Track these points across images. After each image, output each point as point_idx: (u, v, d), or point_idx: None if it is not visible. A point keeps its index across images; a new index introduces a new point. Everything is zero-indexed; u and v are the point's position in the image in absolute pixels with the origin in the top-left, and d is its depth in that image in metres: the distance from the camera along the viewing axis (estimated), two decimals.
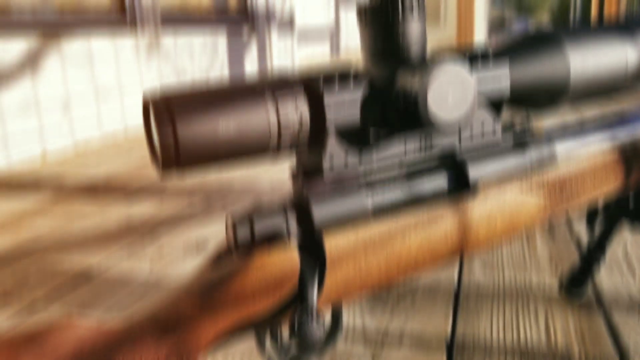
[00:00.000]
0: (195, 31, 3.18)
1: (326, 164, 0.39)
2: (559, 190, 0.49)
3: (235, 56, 3.62)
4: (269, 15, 3.97)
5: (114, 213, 1.36)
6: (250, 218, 0.38)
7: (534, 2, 20.50)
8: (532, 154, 0.48)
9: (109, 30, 2.52)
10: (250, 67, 3.82)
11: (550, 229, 1.05)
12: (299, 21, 4.69)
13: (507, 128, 0.49)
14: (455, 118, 0.39)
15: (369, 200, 0.41)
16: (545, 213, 0.49)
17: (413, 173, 0.46)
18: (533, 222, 0.49)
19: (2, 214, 1.41)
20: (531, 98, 0.48)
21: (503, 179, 0.46)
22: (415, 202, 0.43)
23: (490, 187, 0.46)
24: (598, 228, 0.70)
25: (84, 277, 0.99)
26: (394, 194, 0.43)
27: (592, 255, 0.72)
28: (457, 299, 0.79)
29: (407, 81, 0.38)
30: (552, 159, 0.50)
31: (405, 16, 0.40)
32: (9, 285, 0.98)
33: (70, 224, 1.31)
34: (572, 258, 0.91)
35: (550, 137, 0.51)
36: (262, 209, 0.39)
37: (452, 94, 0.38)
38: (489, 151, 0.47)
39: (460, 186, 0.46)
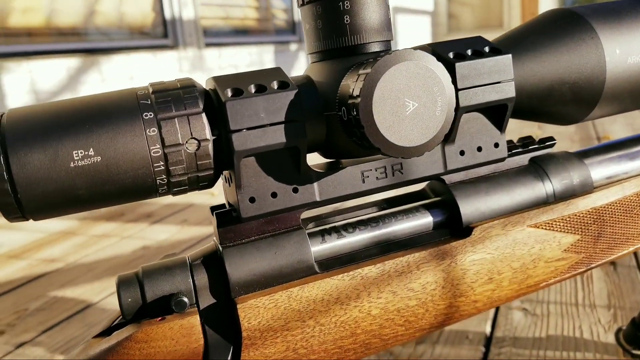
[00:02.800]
0: (240, 44, 3.17)
1: (244, 203, 0.28)
2: (596, 231, 0.35)
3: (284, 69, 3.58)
4: None
5: (132, 240, 1.30)
6: (139, 280, 0.28)
7: None
8: (554, 182, 0.35)
9: (150, 45, 2.53)
10: None
11: (613, 263, 0.86)
12: None
13: (517, 147, 0.36)
14: (422, 139, 0.27)
15: (309, 248, 0.29)
16: (577, 264, 0.35)
17: (379, 211, 0.34)
18: (560, 276, 0.35)
19: (17, 242, 1.39)
20: (548, 106, 0.35)
21: (511, 217, 0.33)
22: (381, 250, 0.32)
23: (493, 229, 0.33)
24: None
25: (80, 313, 0.92)
26: (347, 239, 0.31)
27: None
28: (487, 352, 0.65)
29: (349, 88, 0.26)
30: (584, 188, 0.36)
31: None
32: (7, 314, 0.94)
33: (86, 249, 1.26)
34: (638, 305, 0.73)
35: (581, 158, 0.37)
36: (160, 268, 0.28)
37: (416, 105, 0.26)
38: (489, 180, 0.34)
39: (449, 229, 0.33)
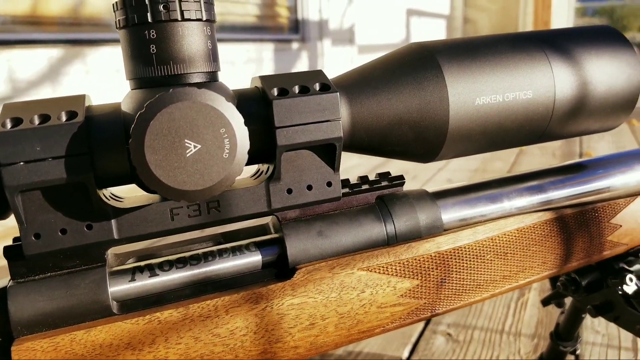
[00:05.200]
0: (237, 41, 3.16)
1: (27, 239, 0.27)
2: (439, 276, 0.34)
3: (283, 69, 3.56)
4: (321, 29, 3.89)
5: None
6: None
7: (626, 16, 19.08)
8: (397, 223, 0.34)
9: None
10: None
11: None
12: (362, 34, 4.57)
13: (361, 185, 0.35)
14: (206, 182, 0.25)
15: (106, 288, 0.28)
16: (418, 310, 0.34)
17: (211, 246, 0.33)
18: (399, 322, 0.34)
19: None
20: (391, 145, 0.33)
21: (340, 259, 0.32)
22: (194, 291, 0.31)
23: (318, 272, 0.31)
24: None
25: None
26: (160, 278, 0.30)
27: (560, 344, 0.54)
28: None
29: (126, 119, 0.25)
30: (432, 230, 0.34)
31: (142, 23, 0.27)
32: None
33: None
34: None
35: (435, 199, 0.35)
36: None
37: (199, 147, 0.25)
38: (326, 218, 0.33)
39: (277, 269, 0.32)
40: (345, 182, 0.35)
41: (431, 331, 0.72)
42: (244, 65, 3.19)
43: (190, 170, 0.25)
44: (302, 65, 3.72)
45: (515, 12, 7.75)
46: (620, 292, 0.39)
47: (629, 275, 0.39)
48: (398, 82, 0.32)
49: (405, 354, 0.68)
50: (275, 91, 0.29)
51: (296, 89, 0.30)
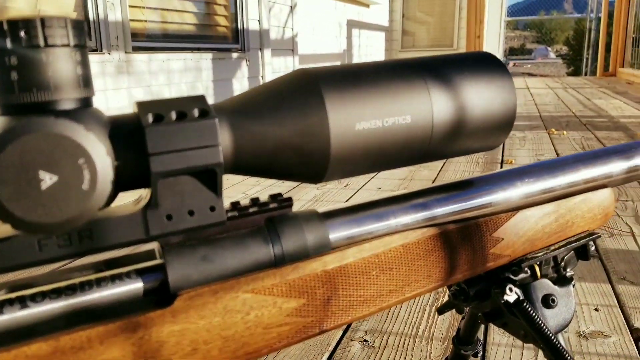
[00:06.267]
0: (174, 50, 3.10)
1: None
2: (326, 294, 0.35)
3: (222, 78, 3.53)
4: (262, 39, 3.89)
5: None
6: None
7: (554, 29, 20.30)
8: (285, 244, 0.34)
9: None
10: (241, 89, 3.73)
11: None
12: (304, 44, 4.61)
13: (248, 207, 0.35)
14: (63, 215, 0.25)
15: None
16: (306, 327, 0.35)
17: (90, 275, 0.33)
18: (287, 340, 0.34)
19: None
20: (279, 168, 0.34)
21: (224, 283, 0.32)
22: (68, 323, 0.30)
23: (200, 297, 0.31)
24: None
25: None
26: (31, 310, 0.29)
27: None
28: None
29: None
30: (320, 249, 0.35)
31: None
32: None
33: None
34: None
35: (323, 219, 0.36)
36: None
37: (56, 179, 0.25)
38: (212, 243, 0.33)
39: (159, 296, 0.32)
40: (235, 205, 0.35)
41: (348, 338, 0.74)
42: (181, 74, 3.13)
43: (47, 202, 0.24)
44: (242, 74, 3.70)
45: (450, 26, 8.08)
46: (502, 301, 0.42)
47: (509, 285, 0.42)
48: (282, 107, 0.33)
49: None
50: (150, 117, 0.29)
51: (173, 114, 0.30)
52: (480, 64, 0.39)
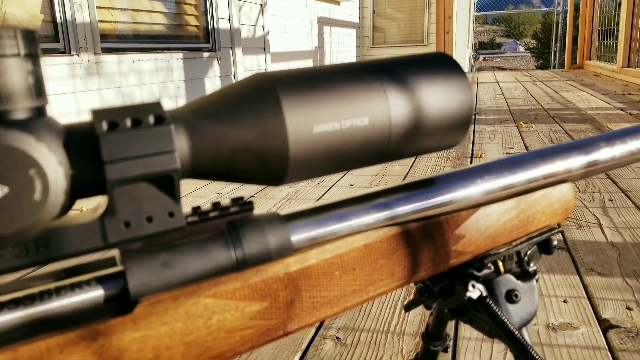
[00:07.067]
0: (144, 51, 3.06)
1: None
2: (289, 297, 0.35)
3: (194, 78, 3.49)
4: (233, 38, 3.86)
5: None
6: None
7: (522, 23, 20.68)
8: (247, 248, 0.35)
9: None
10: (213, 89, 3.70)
11: None
12: (276, 42, 4.59)
13: (209, 212, 0.35)
14: (15, 226, 0.25)
15: None
16: (269, 330, 0.35)
17: (51, 283, 0.32)
18: (251, 343, 0.35)
19: None
20: (239, 172, 0.34)
21: (185, 289, 0.32)
22: (27, 333, 0.29)
23: (161, 304, 0.31)
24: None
25: None
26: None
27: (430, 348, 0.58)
28: None
29: None
30: (282, 252, 0.36)
31: None
32: None
33: None
34: None
35: (285, 221, 0.37)
36: None
37: (7, 190, 0.24)
38: (172, 248, 0.33)
39: (119, 304, 0.32)
40: (196, 210, 0.35)
41: (321, 336, 0.74)
42: (152, 74, 3.09)
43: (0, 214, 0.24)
44: (213, 74, 3.67)
45: (421, 22, 8.15)
46: (466, 298, 0.43)
47: (471, 282, 0.43)
48: (240, 112, 0.33)
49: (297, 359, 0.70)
50: (104, 125, 0.29)
51: (128, 122, 0.30)
52: (435, 64, 0.40)
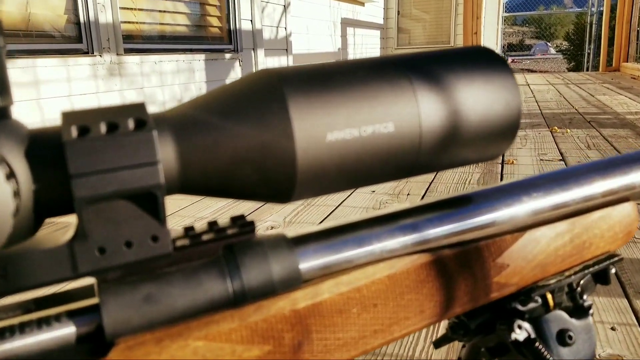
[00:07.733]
0: (166, 52, 3.05)
1: None
2: (296, 339, 0.29)
3: (216, 79, 3.47)
4: (255, 39, 3.84)
5: None
6: None
7: (554, 24, 20.20)
8: (246, 278, 0.29)
9: (60, 49, 2.38)
10: None
11: None
12: (298, 43, 4.56)
13: (203, 235, 0.29)
14: None
15: None
16: None
17: (17, 316, 0.27)
18: None
19: None
20: (239, 187, 0.28)
21: (171, 329, 0.27)
22: None
23: (141, 347, 0.26)
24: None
25: None
26: None
27: None
28: None
29: None
30: (289, 284, 0.30)
31: None
32: None
33: None
34: None
35: (293, 245, 0.31)
36: None
37: None
38: (157, 278, 0.28)
39: (95, 344, 0.26)
40: (188, 231, 0.30)
41: None
42: (173, 75, 3.08)
43: None
44: (235, 75, 3.65)
45: (447, 22, 8.01)
46: (510, 340, 0.36)
47: (517, 322, 0.36)
48: (239, 115, 0.27)
49: None
50: (73, 130, 0.24)
51: (102, 126, 0.24)
52: (476, 60, 0.33)
